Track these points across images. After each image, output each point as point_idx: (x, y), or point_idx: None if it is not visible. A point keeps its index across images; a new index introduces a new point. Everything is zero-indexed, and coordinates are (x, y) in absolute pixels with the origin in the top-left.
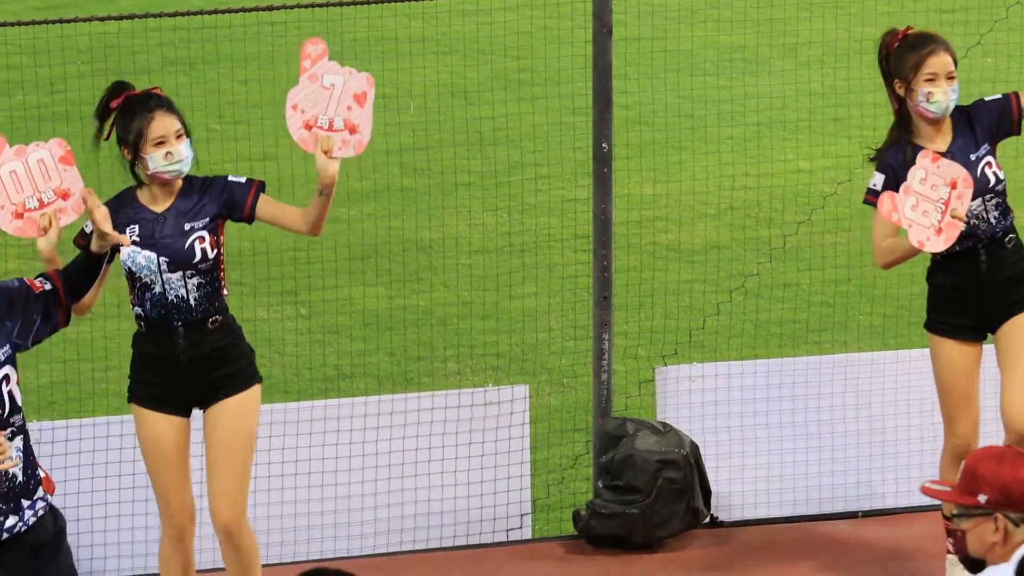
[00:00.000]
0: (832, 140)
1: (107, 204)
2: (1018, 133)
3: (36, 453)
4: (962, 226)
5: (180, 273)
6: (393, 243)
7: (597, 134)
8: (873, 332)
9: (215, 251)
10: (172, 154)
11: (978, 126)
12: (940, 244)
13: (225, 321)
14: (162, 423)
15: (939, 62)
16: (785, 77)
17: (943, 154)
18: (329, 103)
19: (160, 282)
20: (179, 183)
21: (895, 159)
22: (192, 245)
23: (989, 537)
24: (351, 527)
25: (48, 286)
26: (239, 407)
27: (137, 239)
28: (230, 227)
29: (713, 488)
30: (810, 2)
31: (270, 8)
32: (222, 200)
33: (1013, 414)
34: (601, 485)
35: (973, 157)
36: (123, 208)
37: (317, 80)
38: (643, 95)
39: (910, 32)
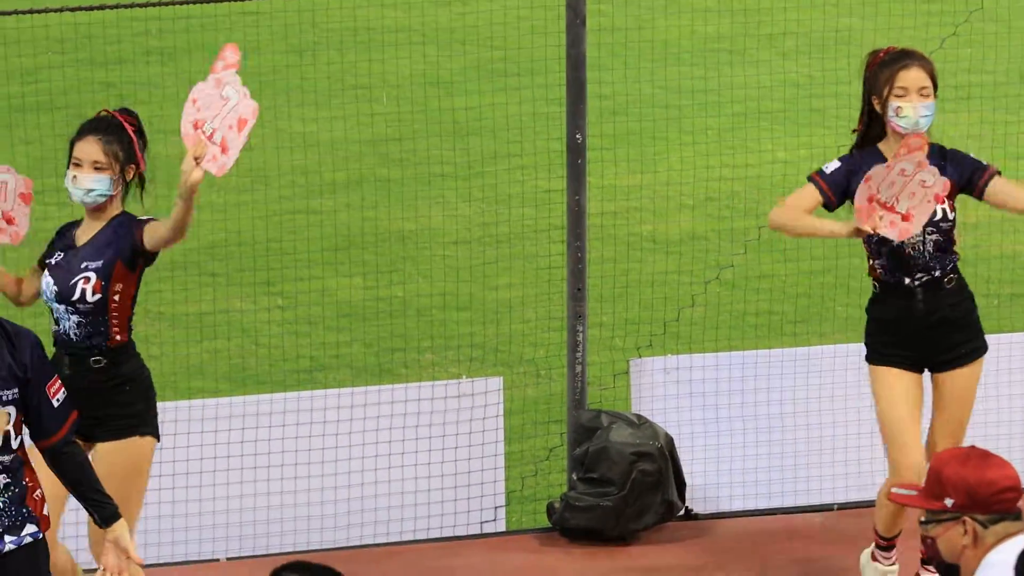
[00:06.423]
0: (811, 131)
1: (55, 235)
2: (979, 199)
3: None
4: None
5: (64, 306)
6: (370, 234)
7: (571, 125)
8: (851, 323)
9: (98, 296)
10: (77, 179)
11: (949, 166)
12: (894, 233)
13: (113, 363)
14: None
15: (911, 76)
16: (764, 67)
17: None
18: (219, 113)
19: (54, 308)
20: (111, 213)
21: (864, 160)
22: (76, 283)
23: (959, 541)
24: (324, 519)
25: None
26: (109, 453)
27: (53, 263)
28: (206, 218)
29: (688, 481)
30: None
31: None
32: (127, 241)
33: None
34: (575, 477)
35: None
36: (61, 239)
37: (220, 86)
38: (621, 85)
39: (890, 50)
